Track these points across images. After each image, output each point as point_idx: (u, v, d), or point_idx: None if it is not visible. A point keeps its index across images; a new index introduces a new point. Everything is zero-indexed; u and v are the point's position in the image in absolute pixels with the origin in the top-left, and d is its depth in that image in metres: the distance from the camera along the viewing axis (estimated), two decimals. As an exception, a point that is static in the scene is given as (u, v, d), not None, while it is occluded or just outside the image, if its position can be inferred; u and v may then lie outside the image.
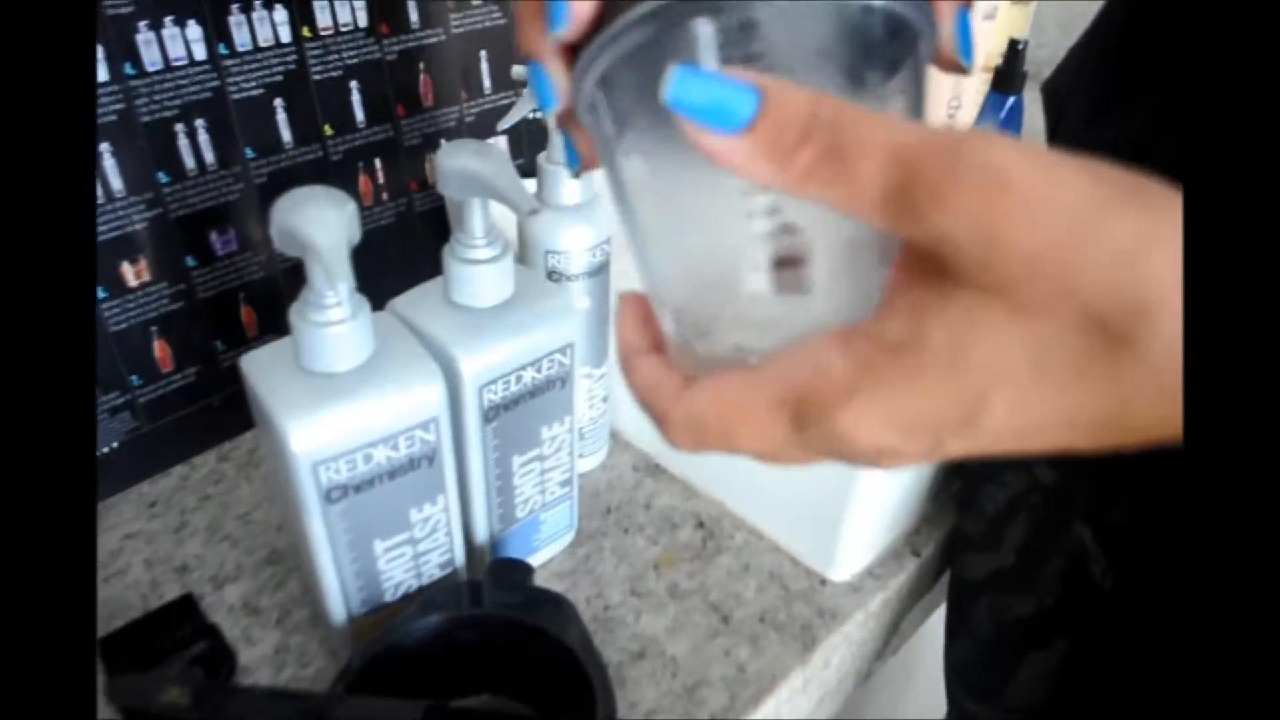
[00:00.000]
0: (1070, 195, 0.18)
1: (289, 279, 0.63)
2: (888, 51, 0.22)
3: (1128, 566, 0.48)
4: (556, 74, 0.25)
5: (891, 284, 0.22)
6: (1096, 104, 0.44)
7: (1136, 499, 0.46)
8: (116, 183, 0.53)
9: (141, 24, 0.52)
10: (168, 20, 0.53)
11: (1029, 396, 0.20)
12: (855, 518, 0.53)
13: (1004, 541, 0.55)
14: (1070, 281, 0.18)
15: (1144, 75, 0.42)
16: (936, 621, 0.67)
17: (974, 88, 0.85)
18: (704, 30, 0.21)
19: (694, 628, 0.52)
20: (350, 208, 0.37)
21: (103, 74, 0.51)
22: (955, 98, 0.86)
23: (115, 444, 0.58)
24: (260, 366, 0.40)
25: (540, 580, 0.51)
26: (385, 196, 0.66)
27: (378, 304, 0.43)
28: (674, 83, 0.20)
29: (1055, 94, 0.50)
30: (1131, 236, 0.18)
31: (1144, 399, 0.19)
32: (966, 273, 0.19)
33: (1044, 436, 0.20)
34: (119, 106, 0.52)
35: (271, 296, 0.62)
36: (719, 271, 0.24)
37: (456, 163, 0.41)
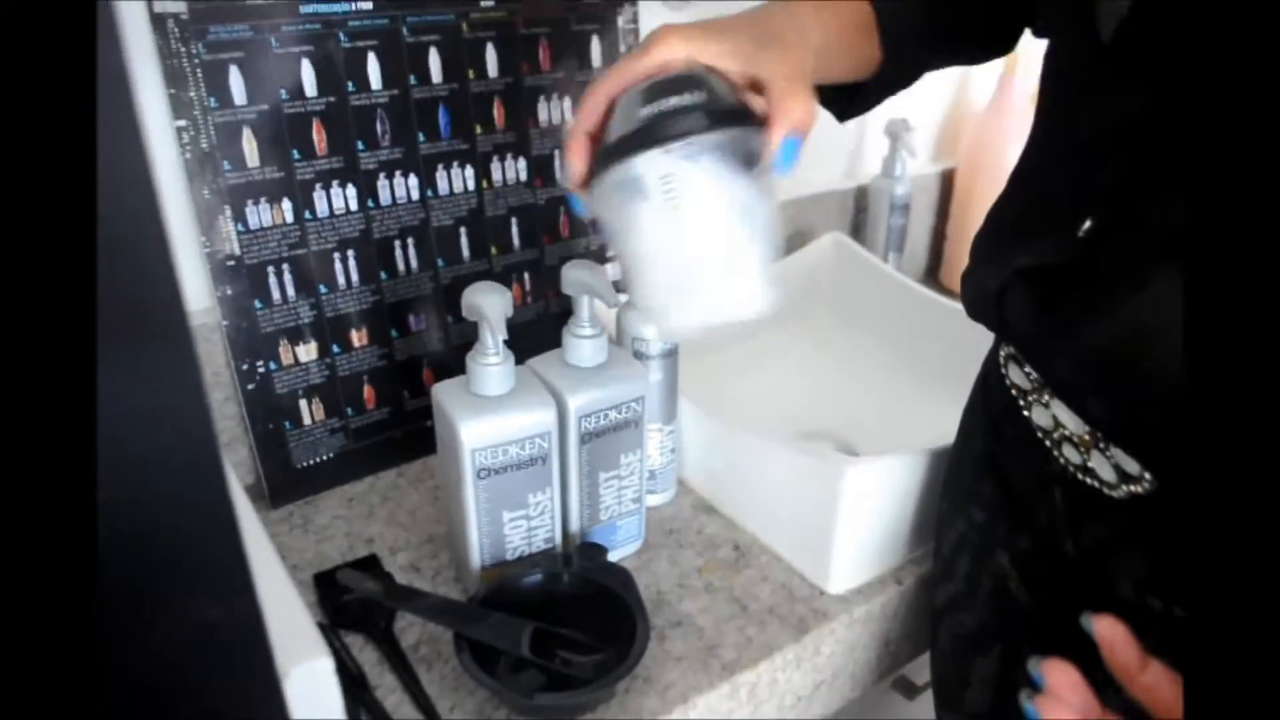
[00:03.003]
0: None
1: (457, 353, 0.88)
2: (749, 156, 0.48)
3: (1033, 582, 0.66)
4: (580, 197, 0.53)
5: None
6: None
7: (1034, 532, 0.65)
8: (355, 277, 0.80)
9: (381, 175, 0.79)
10: (397, 173, 0.80)
11: None
12: (840, 549, 0.73)
13: (956, 572, 0.72)
14: None
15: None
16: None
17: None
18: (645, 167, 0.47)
19: (719, 611, 0.73)
20: (508, 295, 0.62)
21: (354, 204, 0.79)
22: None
23: (331, 454, 0.83)
24: (445, 390, 0.65)
25: (612, 566, 0.73)
26: (530, 300, 0.91)
27: (520, 363, 0.67)
28: None
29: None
30: None
31: None
32: None
33: None
34: (361, 227, 0.79)
35: (445, 363, 0.88)
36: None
37: (573, 273, 0.65)
